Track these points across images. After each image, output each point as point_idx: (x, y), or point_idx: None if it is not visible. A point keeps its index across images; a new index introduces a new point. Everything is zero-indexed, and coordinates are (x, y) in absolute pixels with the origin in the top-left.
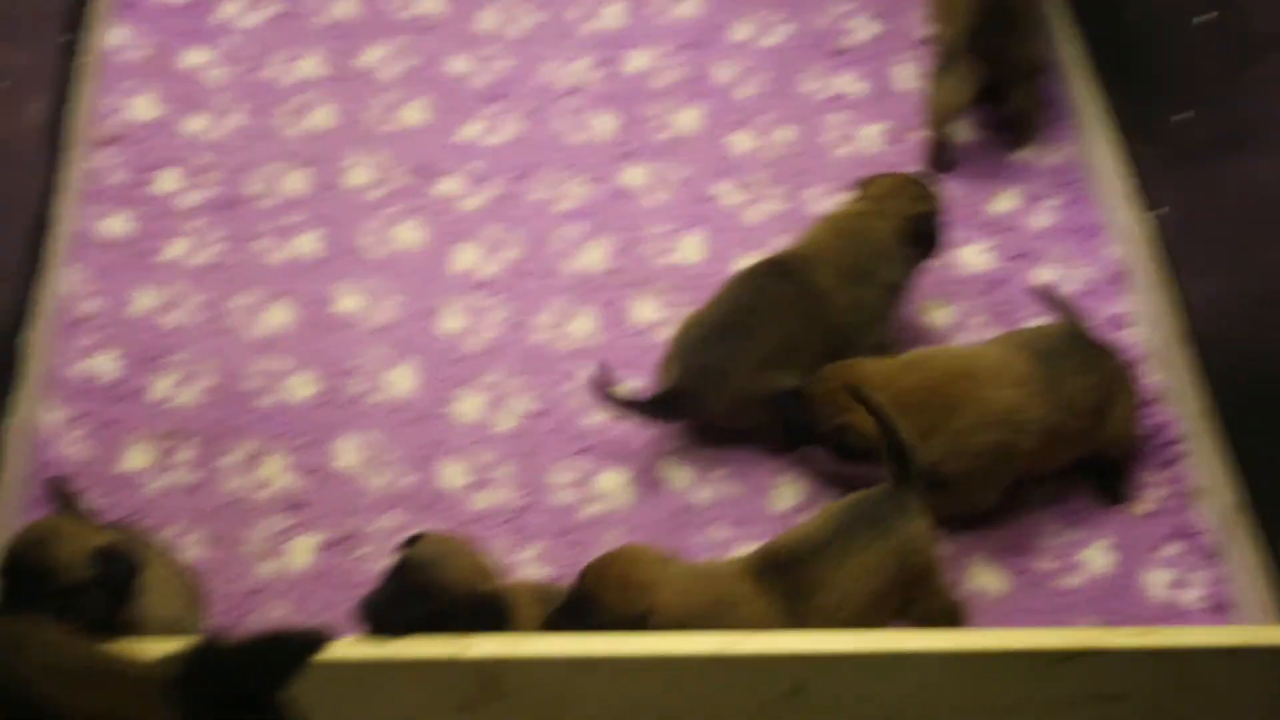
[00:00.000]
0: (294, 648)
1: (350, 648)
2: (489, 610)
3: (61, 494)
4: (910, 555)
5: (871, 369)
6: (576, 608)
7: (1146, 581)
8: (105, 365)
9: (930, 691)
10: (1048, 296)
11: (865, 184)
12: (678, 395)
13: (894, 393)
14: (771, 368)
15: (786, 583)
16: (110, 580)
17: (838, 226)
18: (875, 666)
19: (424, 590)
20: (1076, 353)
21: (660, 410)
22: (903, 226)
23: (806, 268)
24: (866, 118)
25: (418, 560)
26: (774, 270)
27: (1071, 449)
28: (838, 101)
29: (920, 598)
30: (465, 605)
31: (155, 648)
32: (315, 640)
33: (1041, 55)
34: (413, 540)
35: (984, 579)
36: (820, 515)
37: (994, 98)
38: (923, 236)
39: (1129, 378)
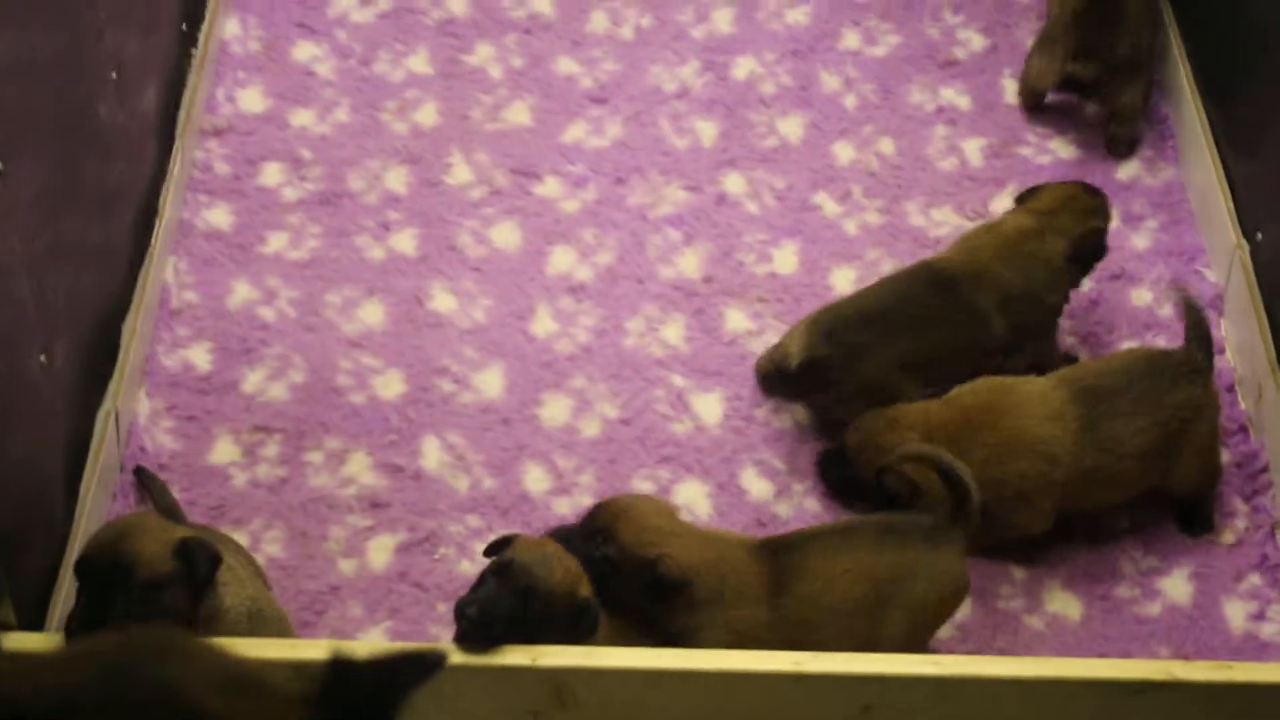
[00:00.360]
0: (419, 666)
1: None
2: (586, 616)
3: (148, 484)
4: (916, 582)
5: (909, 411)
6: (589, 538)
7: (1226, 613)
8: (199, 356)
9: (1002, 718)
10: (1184, 301)
11: (1032, 195)
12: (813, 363)
13: (929, 428)
14: (907, 370)
15: (778, 563)
16: (192, 574)
17: (1005, 246)
18: (947, 690)
19: (525, 594)
20: (1132, 393)
21: (788, 382)
22: (1073, 245)
23: (971, 287)
24: (971, 131)
25: (520, 563)
26: (937, 281)
27: (1125, 487)
28: (943, 114)
29: (884, 629)
30: (564, 610)
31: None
32: (438, 660)
33: (1147, 53)
34: (502, 544)
35: (1061, 604)
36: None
37: (1096, 94)
38: (1092, 252)
39: (1207, 419)
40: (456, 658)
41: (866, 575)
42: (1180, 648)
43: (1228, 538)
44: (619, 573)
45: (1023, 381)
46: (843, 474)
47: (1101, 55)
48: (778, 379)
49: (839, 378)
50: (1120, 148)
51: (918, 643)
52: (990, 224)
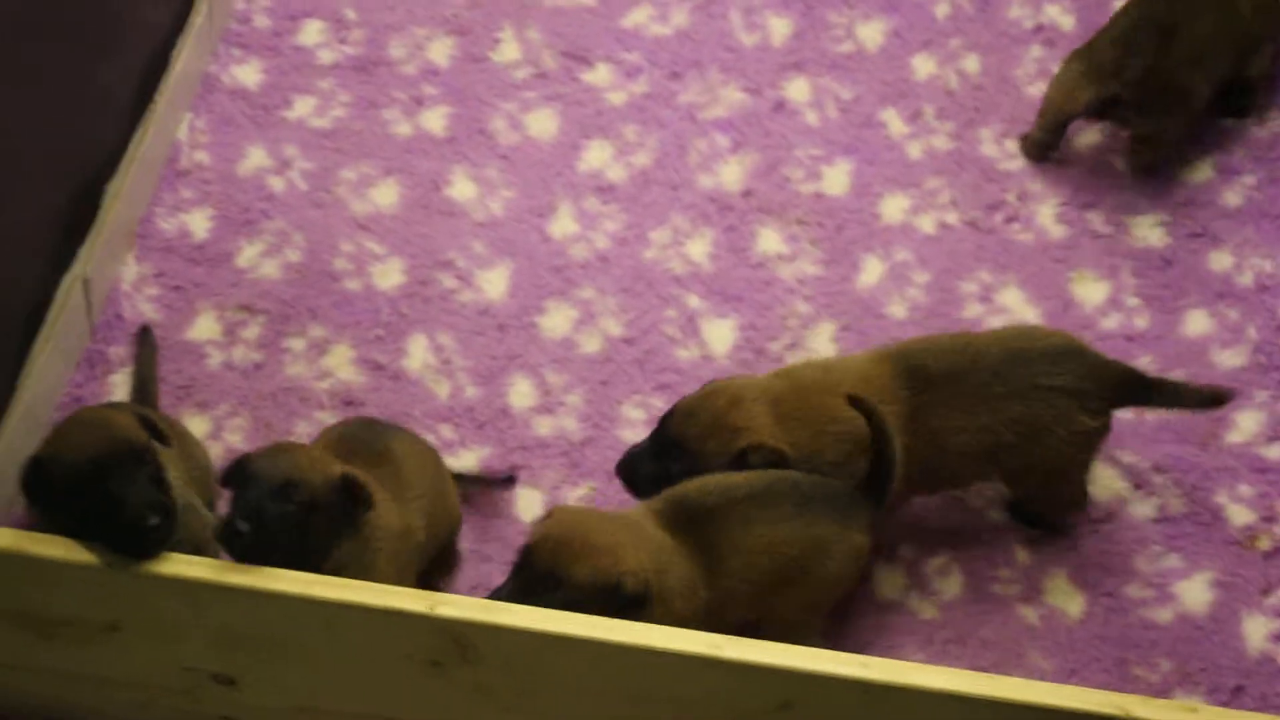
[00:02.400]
0: None
1: (325, 587)
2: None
3: (142, 348)
4: (828, 559)
5: (748, 385)
6: (539, 587)
7: (1245, 629)
8: (197, 223)
9: None
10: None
11: None
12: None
13: (770, 402)
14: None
15: (703, 539)
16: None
17: None
18: (874, 696)
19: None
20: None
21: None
22: None
23: None
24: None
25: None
26: None
27: (961, 481)
28: (1041, 33)
29: (788, 602)
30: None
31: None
32: None
33: (1196, 92)
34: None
35: (1062, 597)
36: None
37: (1116, 116)
38: None
39: (1079, 445)
40: (347, 594)
41: (783, 550)
42: (1184, 663)
43: (1263, 543)
44: (582, 607)
45: (846, 359)
46: (662, 469)
47: (1136, 77)
48: None
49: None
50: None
51: (815, 616)
52: None
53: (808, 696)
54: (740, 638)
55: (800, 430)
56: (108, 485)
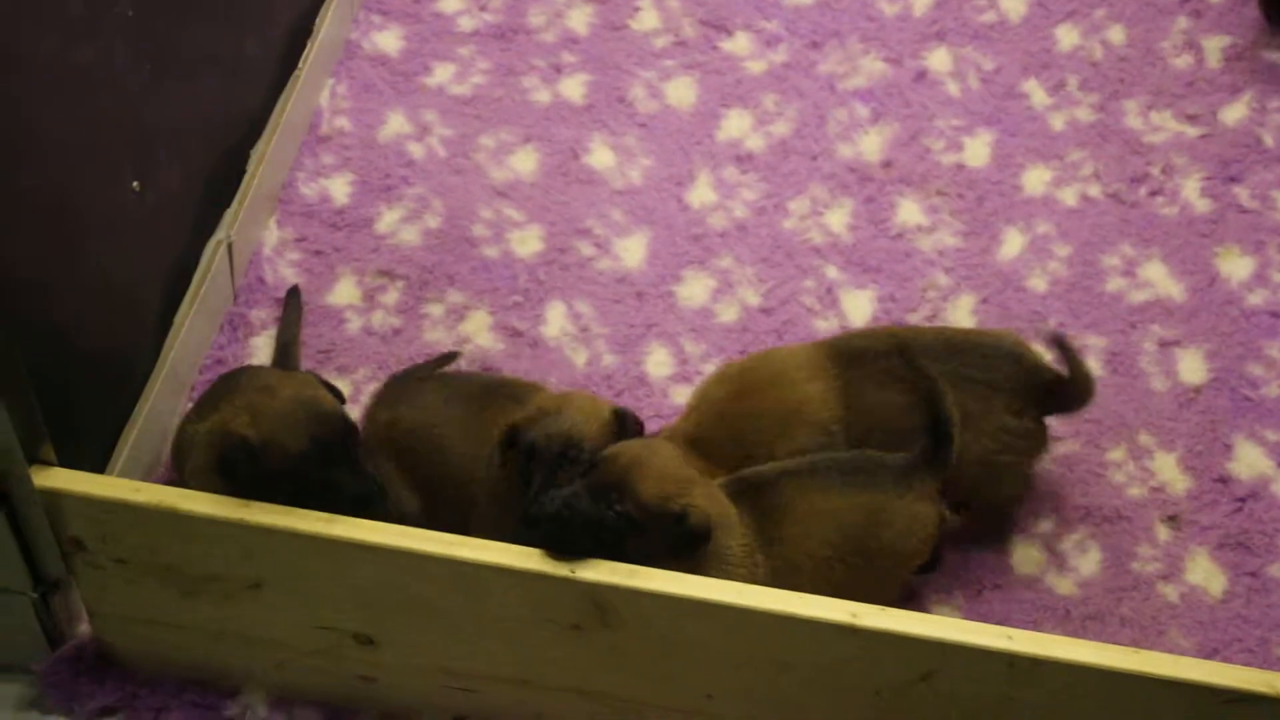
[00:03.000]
0: None
1: (469, 548)
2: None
3: (289, 309)
4: (885, 528)
5: (673, 432)
6: (600, 494)
7: None
8: (338, 188)
9: (1072, 706)
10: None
11: None
12: None
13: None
14: None
15: (761, 505)
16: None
17: None
18: (1019, 668)
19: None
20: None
21: None
22: None
23: None
24: (1217, 27)
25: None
26: None
27: None
28: (1189, 3)
29: (856, 576)
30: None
31: None
32: None
33: None
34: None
35: (1203, 575)
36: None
37: None
38: None
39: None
40: (489, 555)
41: (841, 518)
42: None
43: None
44: (640, 529)
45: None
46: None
47: None
48: None
49: None
50: None
51: (887, 591)
52: None
53: (950, 668)
54: (880, 606)
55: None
56: (329, 473)
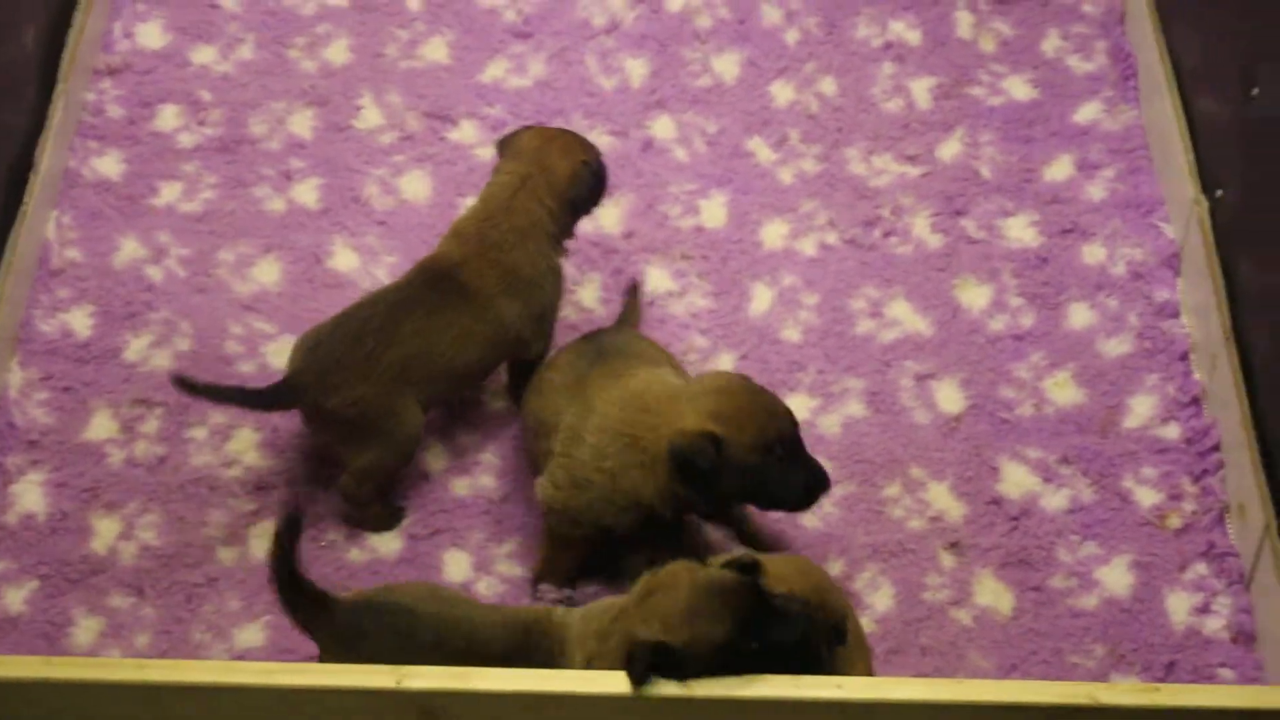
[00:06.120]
0: None
1: (296, 674)
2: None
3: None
4: None
5: None
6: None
7: (1169, 605)
8: (79, 321)
9: None
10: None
11: (508, 145)
12: (290, 385)
13: None
14: (411, 384)
15: None
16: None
17: (492, 213)
18: (850, 715)
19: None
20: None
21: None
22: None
23: (469, 273)
24: (920, 69)
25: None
26: (433, 277)
27: None
28: (891, 50)
29: None
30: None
31: None
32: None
33: None
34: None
35: (992, 595)
36: None
37: None
38: (584, 192)
39: None
40: (312, 679)
41: None
42: (1116, 646)
43: (1173, 522)
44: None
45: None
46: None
47: None
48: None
49: (319, 399)
50: None
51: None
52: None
53: None
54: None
55: None
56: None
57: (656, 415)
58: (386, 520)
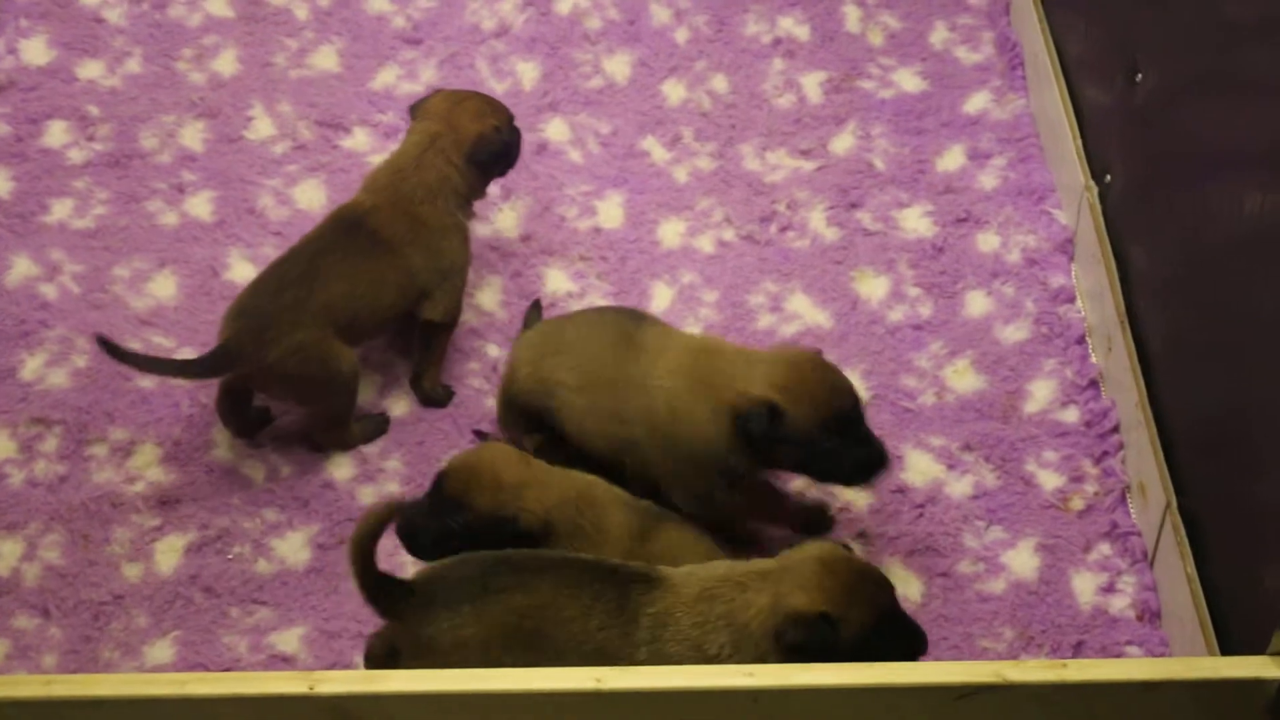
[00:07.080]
0: None
1: (209, 683)
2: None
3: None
4: None
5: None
6: (441, 510)
7: (1075, 586)
8: None
9: None
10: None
11: (420, 107)
12: (226, 349)
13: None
14: (338, 330)
15: (644, 519)
16: None
17: (402, 168)
18: (763, 702)
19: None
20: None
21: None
22: (471, 145)
23: (377, 220)
24: (810, 64)
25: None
26: (346, 224)
27: None
28: (780, 46)
29: None
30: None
31: None
32: None
33: None
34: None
35: (900, 583)
36: None
37: None
38: (490, 154)
39: None
40: (224, 687)
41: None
42: (1025, 628)
43: (1076, 504)
44: (480, 536)
45: None
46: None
47: None
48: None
49: (259, 357)
50: None
51: None
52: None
53: (696, 714)
54: (623, 668)
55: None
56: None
57: (730, 370)
58: (373, 430)
